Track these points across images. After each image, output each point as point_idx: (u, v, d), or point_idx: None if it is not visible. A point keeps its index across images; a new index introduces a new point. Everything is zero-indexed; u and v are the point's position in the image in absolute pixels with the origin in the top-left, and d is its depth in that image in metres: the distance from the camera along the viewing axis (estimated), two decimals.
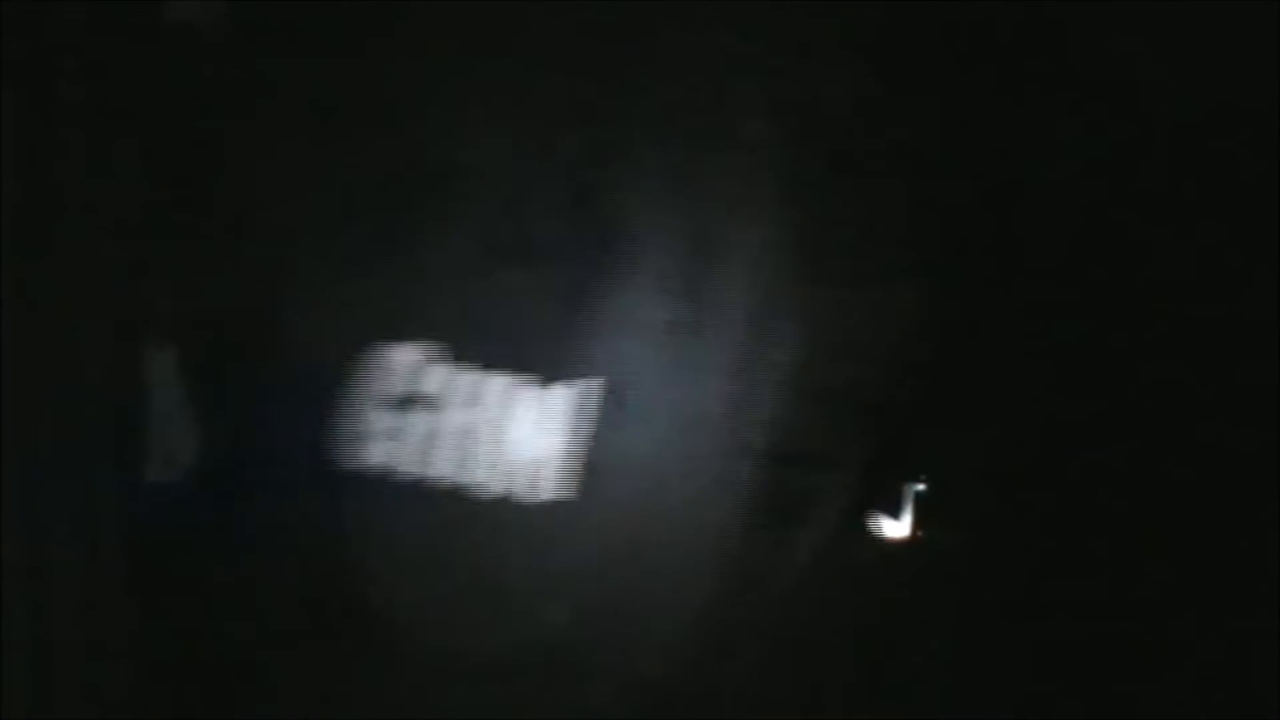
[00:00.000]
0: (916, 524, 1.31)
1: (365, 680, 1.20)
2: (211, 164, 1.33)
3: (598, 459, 1.12)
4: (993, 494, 1.25)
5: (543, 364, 1.13)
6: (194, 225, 1.27)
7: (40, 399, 1.35)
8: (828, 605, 1.17)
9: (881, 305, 1.17)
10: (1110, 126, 1.25)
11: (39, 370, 1.35)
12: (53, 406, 1.36)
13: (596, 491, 1.13)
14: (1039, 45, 1.22)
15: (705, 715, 1.13)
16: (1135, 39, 1.23)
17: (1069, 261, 1.23)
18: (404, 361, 1.15)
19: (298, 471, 1.26)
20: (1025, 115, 1.20)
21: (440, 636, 1.16)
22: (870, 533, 1.22)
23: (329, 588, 1.25)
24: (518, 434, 1.12)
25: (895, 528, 1.36)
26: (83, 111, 1.39)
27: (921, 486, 1.33)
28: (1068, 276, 1.24)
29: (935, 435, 1.29)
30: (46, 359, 1.35)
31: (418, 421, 1.14)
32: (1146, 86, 1.24)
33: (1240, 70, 1.21)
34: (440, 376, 1.14)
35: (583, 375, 1.12)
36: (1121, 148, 1.25)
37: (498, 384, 1.12)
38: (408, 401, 1.14)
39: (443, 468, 1.14)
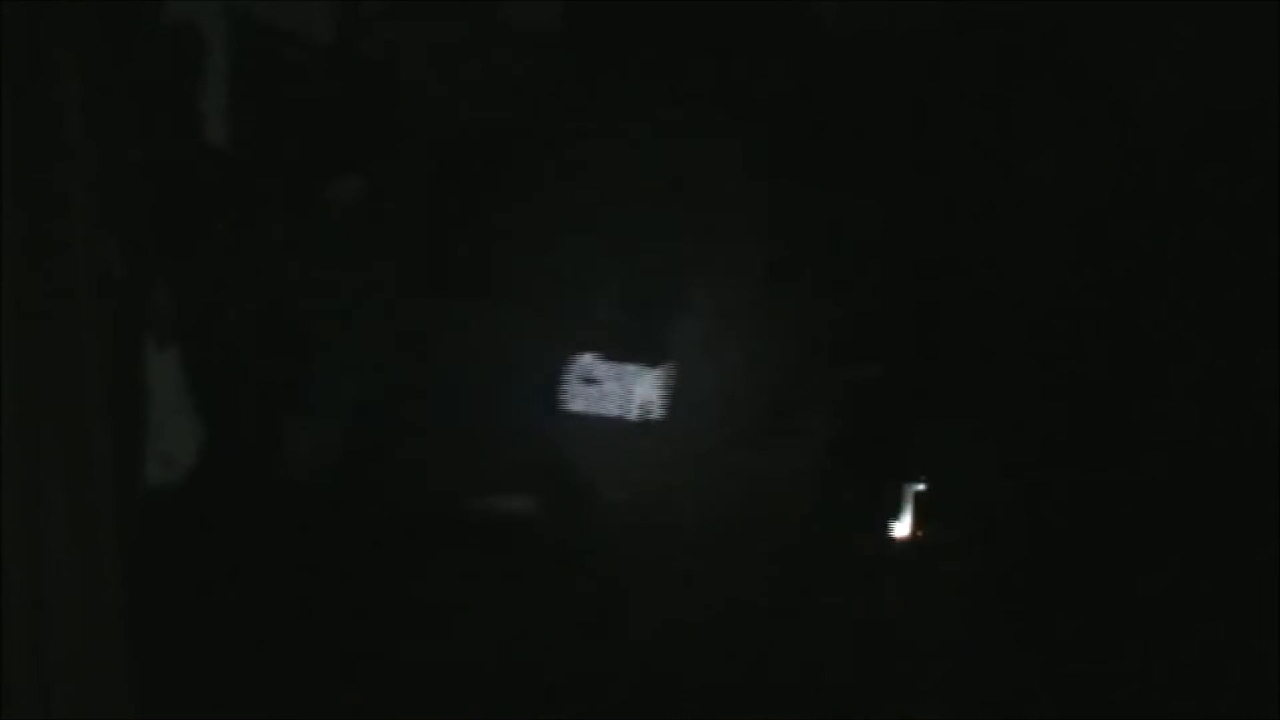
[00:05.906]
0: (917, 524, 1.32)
1: None
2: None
3: None
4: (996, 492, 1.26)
5: None
6: None
7: (40, 399, 1.34)
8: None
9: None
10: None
11: (39, 370, 1.34)
12: (52, 406, 1.35)
13: None
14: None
15: None
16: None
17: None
18: None
19: None
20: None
21: None
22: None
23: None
24: None
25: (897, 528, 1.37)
26: (82, 111, 1.38)
27: (921, 486, 1.34)
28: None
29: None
30: (46, 359, 1.34)
31: None
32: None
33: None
34: None
35: None
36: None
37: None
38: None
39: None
